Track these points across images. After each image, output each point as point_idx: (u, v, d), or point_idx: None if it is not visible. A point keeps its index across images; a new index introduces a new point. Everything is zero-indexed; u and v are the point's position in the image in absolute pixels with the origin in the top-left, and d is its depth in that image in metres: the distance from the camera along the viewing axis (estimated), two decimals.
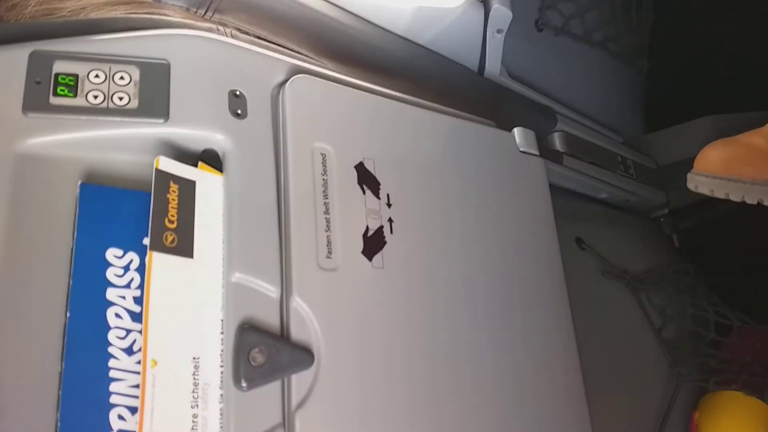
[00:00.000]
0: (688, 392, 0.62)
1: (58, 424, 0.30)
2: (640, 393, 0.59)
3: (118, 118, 0.34)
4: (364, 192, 0.40)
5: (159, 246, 0.33)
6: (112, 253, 0.33)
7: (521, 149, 0.51)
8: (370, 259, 0.39)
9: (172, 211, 0.34)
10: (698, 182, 0.44)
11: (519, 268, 0.47)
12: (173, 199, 0.34)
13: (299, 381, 0.34)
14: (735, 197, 0.43)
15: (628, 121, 0.77)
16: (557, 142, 0.63)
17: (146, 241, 0.34)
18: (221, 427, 0.32)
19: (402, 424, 0.37)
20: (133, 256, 0.34)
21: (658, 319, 0.63)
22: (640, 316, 0.62)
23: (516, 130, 0.51)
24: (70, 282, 0.32)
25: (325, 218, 0.38)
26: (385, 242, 0.40)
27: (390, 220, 0.41)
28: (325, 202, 0.38)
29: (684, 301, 0.62)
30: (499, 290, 0.45)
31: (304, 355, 0.35)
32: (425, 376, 0.39)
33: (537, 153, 0.52)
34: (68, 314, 0.31)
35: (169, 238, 0.33)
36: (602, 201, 0.70)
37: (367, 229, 0.40)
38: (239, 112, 0.37)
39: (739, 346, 0.61)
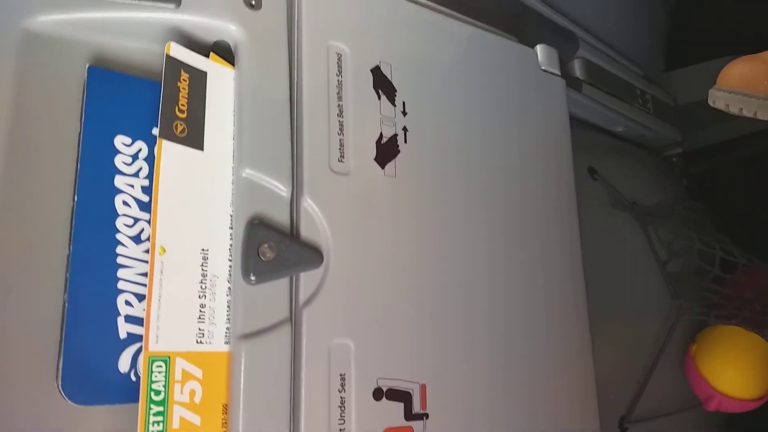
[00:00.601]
0: (688, 326, 0.62)
1: (66, 304, 0.30)
2: (640, 324, 0.60)
3: (129, 0, 0.33)
4: (379, 97, 0.39)
5: (169, 134, 0.32)
6: (120, 141, 0.32)
7: (543, 67, 0.49)
8: (382, 166, 0.38)
9: (183, 101, 0.33)
10: (716, 97, 0.44)
11: (533, 188, 0.46)
12: (184, 88, 0.33)
13: (307, 279, 0.34)
14: (747, 112, 0.42)
15: (650, 55, 0.75)
16: (577, 68, 0.61)
17: (155, 130, 0.33)
18: (228, 319, 0.32)
19: (406, 327, 0.37)
20: (141, 145, 0.33)
21: (664, 253, 0.63)
22: (646, 249, 0.62)
23: (539, 47, 0.49)
24: (78, 167, 0.31)
25: (339, 121, 0.37)
26: (399, 151, 0.39)
27: (404, 129, 0.40)
28: (338, 104, 0.37)
29: (692, 237, 0.62)
30: (511, 208, 0.44)
31: (313, 254, 0.34)
32: (431, 283, 0.39)
33: (559, 73, 0.50)
34: (76, 198, 0.31)
35: (179, 128, 0.32)
36: (616, 134, 0.69)
37: (381, 135, 0.39)
38: (253, 3, 0.36)
39: (743, 284, 0.61)
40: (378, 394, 0.35)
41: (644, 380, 0.58)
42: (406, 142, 0.40)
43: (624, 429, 0.56)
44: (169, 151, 0.32)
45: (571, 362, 0.46)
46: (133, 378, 0.30)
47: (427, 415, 0.37)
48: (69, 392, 0.28)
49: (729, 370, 0.57)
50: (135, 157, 0.33)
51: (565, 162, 0.49)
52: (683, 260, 0.63)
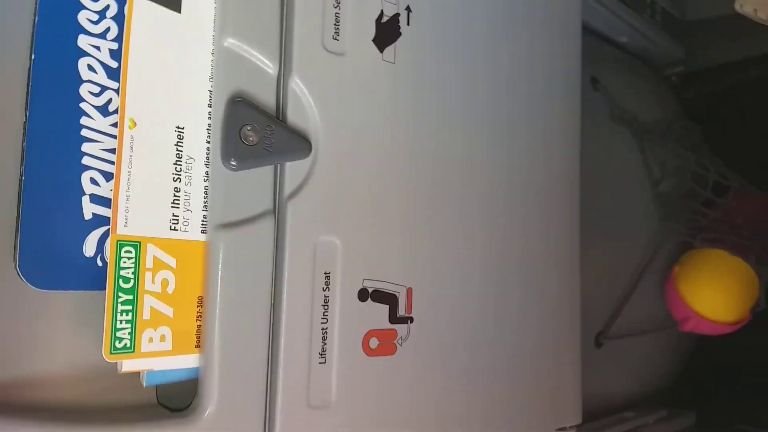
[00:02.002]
0: (674, 248, 0.61)
1: (22, 178, 0.26)
2: (626, 242, 0.59)
3: None
4: None
5: None
6: None
7: None
8: (381, 50, 0.35)
9: None
10: (744, 0, 0.40)
11: (538, 93, 0.43)
12: None
13: (293, 169, 0.31)
14: None
15: None
16: None
17: None
18: (205, 206, 0.29)
19: (396, 228, 0.34)
20: (110, 1, 0.28)
21: (657, 172, 0.61)
22: (639, 167, 0.60)
23: None
24: (35, 19, 0.27)
25: None
26: (400, 33, 0.35)
27: (408, 9, 0.36)
28: None
29: (687, 157, 0.60)
30: (515, 113, 0.41)
31: (301, 142, 0.31)
32: (425, 183, 0.36)
33: None
34: (33, 56, 0.27)
35: None
36: (619, 45, 0.65)
37: (382, 14, 0.35)
38: None
39: (733, 208, 0.60)
40: (363, 294, 0.33)
41: (624, 298, 0.58)
42: (408, 24, 0.36)
43: (599, 344, 0.57)
44: (142, 10, 0.27)
45: (559, 276, 0.44)
46: (100, 263, 0.27)
47: (411, 319, 0.35)
48: (28, 274, 0.25)
49: (709, 291, 0.57)
50: (102, 14, 0.28)
51: (573, 65, 0.46)
52: (676, 181, 0.62)
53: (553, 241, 0.44)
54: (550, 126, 0.44)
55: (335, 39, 0.33)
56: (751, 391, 0.66)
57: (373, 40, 0.34)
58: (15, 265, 0.25)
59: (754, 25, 0.42)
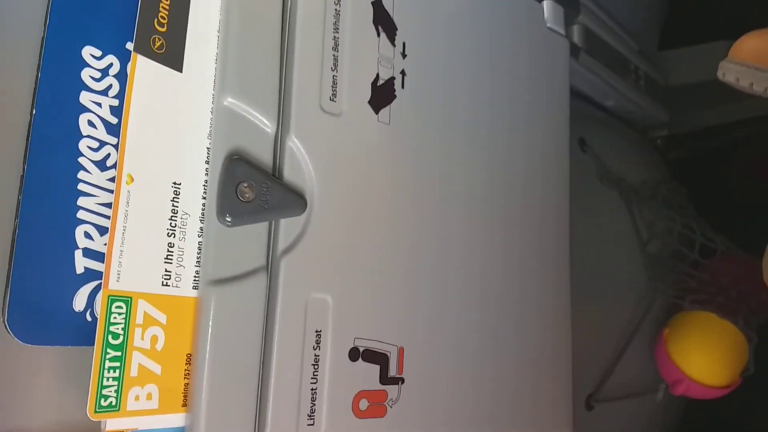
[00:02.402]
0: (663, 309, 0.62)
1: (17, 231, 0.26)
2: (615, 303, 0.59)
3: None
4: (378, 34, 0.36)
5: (145, 49, 0.28)
6: (89, 52, 0.29)
7: (549, 25, 0.46)
8: (376, 111, 0.35)
9: (163, 12, 0.29)
10: (726, 69, 0.42)
11: (531, 154, 0.44)
12: None
13: (288, 226, 0.31)
14: (758, 87, 0.40)
15: (647, 31, 0.73)
16: (576, 34, 0.58)
17: (130, 45, 0.29)
18: (198, 262, 0.29)
19: (388, 287, 0.35)
20: (113, 60, 0.29)
21: (645, 233, 0.62)
22: (627, 227, 0.61)
23: (546, 3, 0.47)
24: (38, 75, 0.27)
25: (333, 55, 0.34)
26: (395, 96, 0.36)
27: (402, 73, 0.37)
28: (334, 36, 0.34)
29: (674, 219, 0.61)
30: (508, 174, 0.42)
31: (296, 199, 0.31)
32: (417, 243, 0.36)
33: (563, 33, 0.47)
34: (34, 111, 0.27)
35: (158, 43, 0.29)
36: (606, 108, 0.67)
37: (378, 77, 0.36)
38: None
39: (720, 270, 0.60)
40: (354, 354, 0.33)
41: (615, 360, 0.57)
42: (403, 87, 0.37)
43: (590, 407, 0.56)
44: (144, 69, 0.28)
45: (551, 339, 0.44)
46: (89, 318, 0.27)
47: (403, 380, 0.35)
48: (16, 328, 0.25)
49: (699, 355, 0.57)
50: (105, 72, 0.29)
51: (562, 128, 0.47)
52: (663, 242, 0.62)
53: (546, 303, 0.44)
54: (541, 187, 0.45)
55: (332, 100, 0.33)
56: None
57: (369, 102, 0.35)
58: (3, 320, 0.25)
59: (737, 91, 0.44)
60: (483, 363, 0.39)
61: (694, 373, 0.56)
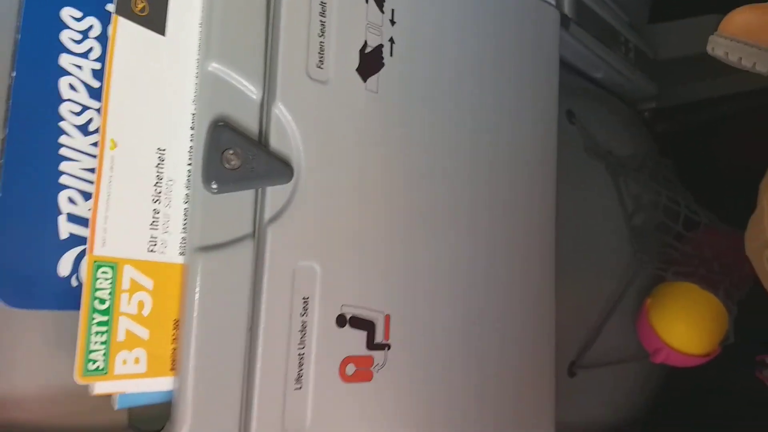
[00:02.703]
0: (646, 280, 0.62)
1: (0, 195, 0.26)
2: (599, 274, 0.60)
3: None
4: (367, 0, 0.35)
5: (126, 11, 0.28)
6: (68, 13, 0.28)
7: None
8: (364, 79, 0.35)
9: None
10: (716, 44, 0.42)
11: (518, 125, 0.44)
12: None
13: (274, 194, 0.31)
14: (747, 62, 0.40)
15: (637, 4, 0.73)
16: (566, 5, 0.58)
17: (111, 6, 0.28)
18: (184, 229, 0.29)
19: (375, 255, 0.35)
20: (93, 22, 0.29)
21: (630, 206, 0.62)
22: (613, 200, 0.62)
23: None
24: (17, 37, 0.27)
25: (321, 20, 0.33)
26: (383, 64, 0.36)
27: (391, 41, 0.36)
28: (322, 2, 0.33)
29: (659, 192, 0.61)
30: (494, 144, 0.42)
31: (282, 167, 0.31)
32: (403, 211, 0.36)
33: (554, 3, 0.47)
34: (14, 74, 0.26)
35: (139, 5, 0.28)
36: (594, 80, 0.67)
37: (366, 44, 0.35)
38: None
39: (703, 243, 0.61)
40: (341, 321, 0.33)
41: (597, 329, 0.58)
42: (391, 55, 0.36)
43: (572, 373, 0.57)
44: (125, 31, 0.28)
45: (534, 306, 0.45)
46: (75, 283, 0.27)
47: (389, 346, 0.35)
48: (3, 293, 0.25)
49: (680, 324, 0.58)
50: (85, 34, 0.28)
51: (550, 99, 0.47)
52: (648, 215, 0.63)
53: (530, 273, 0.44)
54: (528, 158, 0.45)
55: (319, 67, 0.33)
56: (720, 420, 0.67)
57: (357, 70, 0.35)
58: None
59: (726, 66, 0.44)
60: (468, 331, 0.39)
61: (674, 341, 0.57)
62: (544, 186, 0.46)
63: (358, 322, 0.34)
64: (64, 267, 0.27)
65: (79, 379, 0.25)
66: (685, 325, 0.58)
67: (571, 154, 0.58)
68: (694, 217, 0.61)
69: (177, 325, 0.28)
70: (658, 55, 0.74)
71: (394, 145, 0.36)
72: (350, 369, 0.33)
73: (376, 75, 0.36)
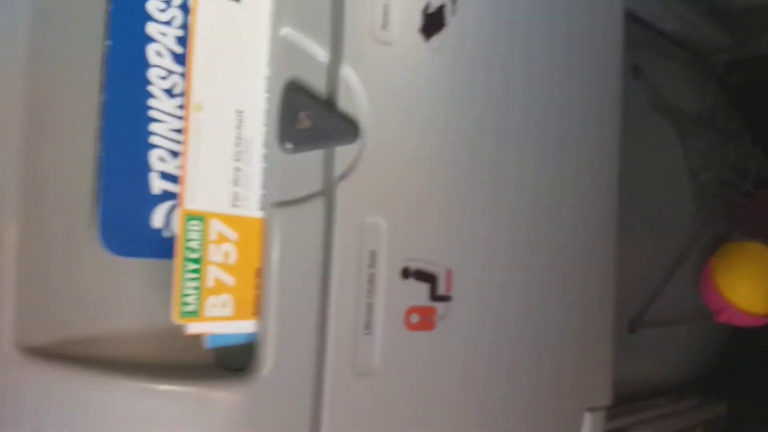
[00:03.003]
0: (711, 239, 0.62)
1: (100, 155, 0.29)
2: (663, 231, 0.59)
3: None
4: None
5: None
6: None
7: None
8: (426, 39, 0.36)
9: None
10: None
11: (579, 82, 0.44)
12: None
13: (343, 153, 0.33)
14: None
15: None
16: None
17: None
18: (262, 186, 0.31)
19: (438, 211, 0.36)
20: None
21: (697, 162, 0.61)
22: (679, 156, 0.61)
23: None
24: (109, 8, 0.29)
25: None
26: (445, 23, 0.37)
27: (453, 0, 0.37)
28: None
29: (728, 149, 0.60)
30: (555, 98, 0.42)
31: (350, 127, 0.33)
32: (466, 168, 0.38)
33: None
34: (108, 42, 0.29)
35: None
36: (663, 32, 0.65)
37: (428, 5, 0.36)
38: None
39: None
40: (405, 273, 0.35)
41: (660, 287, 0.58)
42: (453, 14, 0.37)
43: (633, 330, 0.57)
44: (206, 0, 0.29)
45: (595, 262, 0.45)
46: (166, 234, 0.30)
47: (450, 298, 0.37)
48: (107, 242, 0.28)
49: (745, 284, 0.57)
50: (169, 3, 0.30)
51: (615, 54, 0.46)
52: (715, 172, 0.62)
53: (591, 226, 0.45)
54: (591, 115, 0.45)
55: (384, 29, 0.34)
56: None
57: (420, 30, 0.36)
58: (95, 234, 0.28)
59: None
60: (528, 287, 0.41)
61: (738, 301, 0.57)
62: (607, 143, 0.46)
63: (421, 275, 0.36)
64: (158, 220, 0.29)
65: (176, 320, 0.28)
66: (751, 285, 0.57)
67: (636, 110, 0.57)
68: (763, 174, 0.59)
69: (258, 273, 0.30)
70: (733, 4, 0.71)
71: (456, 104, 0.37)
72: (414, 318, 0.35)
73: (438, 35, 0.36)
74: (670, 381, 0.63)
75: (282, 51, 0.32)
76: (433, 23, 0.36)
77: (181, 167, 0.29)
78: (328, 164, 0.33)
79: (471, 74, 0.38)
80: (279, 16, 0.32)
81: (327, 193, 0.33)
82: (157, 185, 0.29)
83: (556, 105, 0.42)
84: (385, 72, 0.34)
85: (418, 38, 0.36)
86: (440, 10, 0.37)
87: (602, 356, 0.46)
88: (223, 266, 0.29)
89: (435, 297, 0.36)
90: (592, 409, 0.45)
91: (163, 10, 0.30)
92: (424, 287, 0.36)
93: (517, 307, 0.40)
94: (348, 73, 0.33)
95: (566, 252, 0.43)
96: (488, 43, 0.39)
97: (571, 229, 0.43)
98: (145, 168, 0.29)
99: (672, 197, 0.60)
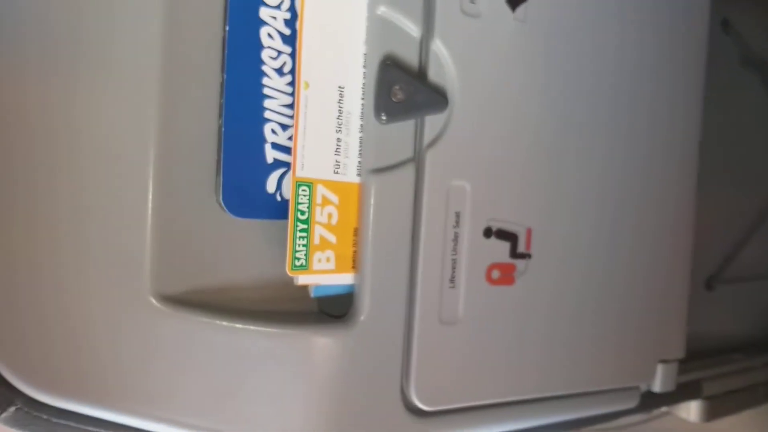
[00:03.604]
0: None
1: (222, 128, 0.33)
2: (745, 188, 0.59)
3: None
4: None
5: None
6: None
7: None
8: (513, 9, 0.38)
9: None
10: None
11: (662, 34, 0.44)
12: None
13: (432, 122, 0.36)
14: None
15: None
16: None
17: None
18: (360, 154, 0.35)
19: (519, 175, 0.39)
20: None
21: None
22: (766, 114, 0.59)
23: None
24: None
25: None
26: None
27: None
28: None
29: None
30: (636, 55, 0.43)
31: (439, 98, 0.36)
32: (548, 135, 0.40)
33: None
34: (227, 27, 0.33)
35: None
36: None
37: None
38: None
39: None
40: (488, 232, 0.38)
41: (739, 245, 0.58)
42: None
43: (711, 287, 0.58)
44: None
45: (672, 218, 0.47)
46: (278, 198, 0.34)
47: (530, 255, 0.40)
48: (228, 205, 0.32)
49: None
50: None
51: (702, 7, 0.46)
52: None
53: (669, 183, 0.46)
54: (674, 70, 0.45)
55: (472, 2, 0.36)
56: None
57: (507, 2, 0.37)
58: (217, 199, 0.33)
59: None
60: (606, 245, 0.43)
61: None
62: (691, 98, 0.47)
63: (502, 234, 0.39)
64: (271, 185, 0.34)
65: (289, 273, 0.32)
66: None
67: (724, 65, 0.56)
68: None
69: (356, 232, 0.34)
70: None
71: (540, 73, 0.39)
72: (495, 274, 0.38)
73: (524, 5, 0.38)
74: (747, 339, 0.64)
75: (378, 29, 0.34)
76: None
77: (293, 140, 0.32)
78: (419, 133, 0.36)
79: (555, 42, 0.39)
80: None
81: (417, 159, 0.36)
82: (270, 155, 0.34)
83: (638, 63, 0.43)
84: (473, 44, 0.37)
85: (505, 9, 0.38)
86: None
87: (676, 311, 0.48)
88: (327, 226, 0.33)
89: (515, 254, 0.39)
90: (664, 361, 0.47)
91: None
92: (505, 245, 0.39)
93: (594, 264, 0.43)
94: (438, 46, 0.36)
95: (642, 208, 0.45)
96: (572, 9, 0.40)
97: (649, 186, 0.45)
98: (261, 140, 0.33)
99: (756, 153, 0.59)
